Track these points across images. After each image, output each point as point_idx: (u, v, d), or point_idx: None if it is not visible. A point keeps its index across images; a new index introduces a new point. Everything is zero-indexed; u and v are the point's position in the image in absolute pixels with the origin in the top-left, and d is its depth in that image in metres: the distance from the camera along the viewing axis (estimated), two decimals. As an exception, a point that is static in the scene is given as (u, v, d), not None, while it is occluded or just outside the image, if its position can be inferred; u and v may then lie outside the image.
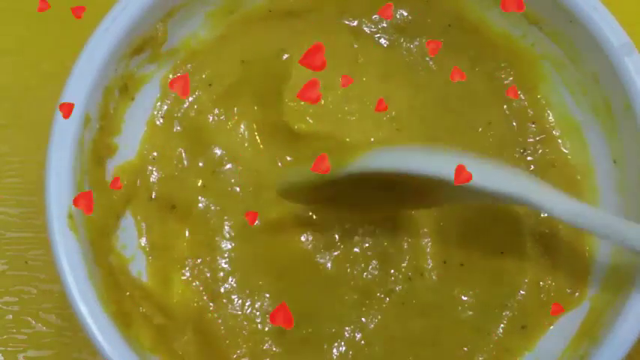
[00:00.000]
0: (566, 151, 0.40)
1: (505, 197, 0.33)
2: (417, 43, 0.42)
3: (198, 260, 0.39)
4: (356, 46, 0.41)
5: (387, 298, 0.39)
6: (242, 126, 0.41)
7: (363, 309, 0.39)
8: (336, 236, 0.39)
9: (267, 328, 0.39)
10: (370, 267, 0.39)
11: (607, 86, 0.38)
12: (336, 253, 0.39)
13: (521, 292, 0.39)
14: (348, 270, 0.39)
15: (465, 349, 0.38)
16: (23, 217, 0.43)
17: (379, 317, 0.39)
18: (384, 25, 0.42)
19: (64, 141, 0.35)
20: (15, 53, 0.43)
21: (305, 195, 0.37)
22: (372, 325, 0.39)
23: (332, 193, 0.36)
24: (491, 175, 0.33)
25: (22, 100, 0.44)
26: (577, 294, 0.38)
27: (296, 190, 0.37)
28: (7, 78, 0.41)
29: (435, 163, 0.33)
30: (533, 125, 0.41)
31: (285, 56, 0.41)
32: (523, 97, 0.41)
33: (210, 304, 0.39)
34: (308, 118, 0.40)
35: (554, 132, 0.41)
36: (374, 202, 0.37)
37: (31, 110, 0.44)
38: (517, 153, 0.41)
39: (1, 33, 0.44)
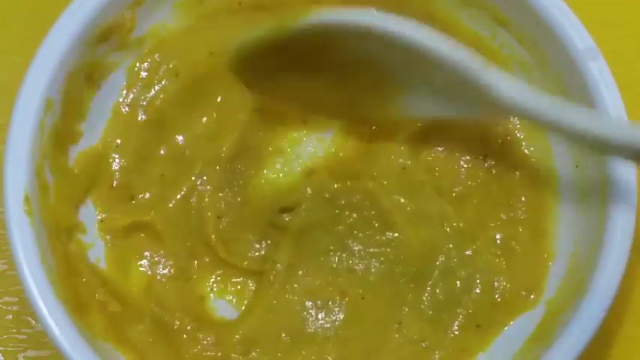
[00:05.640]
0: (530, 154, 0.40)
1: (456, 69, 0.33)
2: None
3: (161, 252, 0.40)
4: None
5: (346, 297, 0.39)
6: (205, 118, 0.41)
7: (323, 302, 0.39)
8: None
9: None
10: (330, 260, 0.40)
11: (571, 90, 0.38)
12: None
13: (476, 290, 0.39)
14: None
15: (424, 344, 0.38)
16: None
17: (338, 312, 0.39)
18: (353, 22, 0.42)
19: (23, 125, 0.35)
20: (15, 53, 0.43)
21: (257, 63, 0.37)
22: (329, 325, 0.39)
23: (284, 64, 0.36)
24: (442, 43, 0.34)
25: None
26: (532, 296, 0.38)
27: (248, 55, 0.36)
28: (7, 78, 0.41)
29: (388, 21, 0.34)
30: (498, 127, 0.41)
31: None
32: (489, 99, 0.41)
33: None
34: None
35: (518, 134, 0.41)
36: (325, 100, 0.37)
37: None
38: (480, 154, 0.41)
39: (1, 33, 0.44)
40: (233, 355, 0.38)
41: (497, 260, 0.39)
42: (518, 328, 0.38)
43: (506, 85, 0.34)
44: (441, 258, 0.39)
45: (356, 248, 0.39)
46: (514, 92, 0.34)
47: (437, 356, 0.38)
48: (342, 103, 0.39)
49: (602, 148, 0.34)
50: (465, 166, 0.41)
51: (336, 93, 0.39)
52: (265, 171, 0.40)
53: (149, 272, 0.39)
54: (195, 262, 0.40)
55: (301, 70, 0.37)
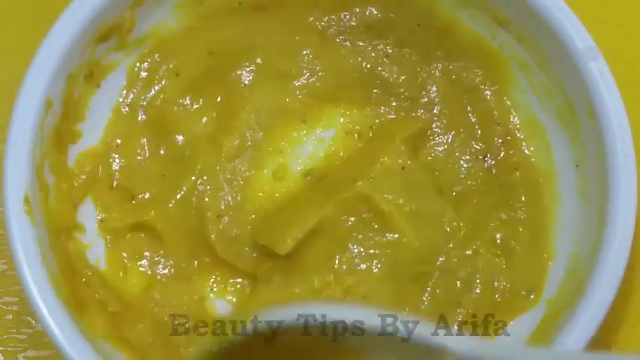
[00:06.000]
0: (530, 154, 0.40)
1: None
2: (382, 43, 0.42)
3: (161, 252, 0.40)
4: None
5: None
6: (205, 118, 0.41)
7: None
8: None
9: None
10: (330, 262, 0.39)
11: (572, 90, 0.38)
12: None
13: (476, 290, 0.39)
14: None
15: None
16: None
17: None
18: (353, 23, 0.42)
19: (23, 125, 0.35)
20: (15, 53, 0.43)
21: None
22: None
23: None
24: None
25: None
26: (532, 296, 0.38)
27: None
28: (7, 78, 0.42)
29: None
30: (498, 127, 0.41)
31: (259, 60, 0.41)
32: (489, 99, 0.41)
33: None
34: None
35: (518, 134, 0.41)
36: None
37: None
38: (480, 154, 0.41)
39: (1, 33, 0.44)
40: (233, 354, 0.38)
41: (497, 260, 0.39)
42: (519, 328, 0.38)
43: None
44: (441, 258, 0.39)
45: (356, 250, 0.39)
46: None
47: None
48: None
49: None
50: (465, 166, 0.41)
51: None
52: (265, 171, 0.41)
53: (149, 272, 0.39)
54: (195, 262, 0.40)
55: None
